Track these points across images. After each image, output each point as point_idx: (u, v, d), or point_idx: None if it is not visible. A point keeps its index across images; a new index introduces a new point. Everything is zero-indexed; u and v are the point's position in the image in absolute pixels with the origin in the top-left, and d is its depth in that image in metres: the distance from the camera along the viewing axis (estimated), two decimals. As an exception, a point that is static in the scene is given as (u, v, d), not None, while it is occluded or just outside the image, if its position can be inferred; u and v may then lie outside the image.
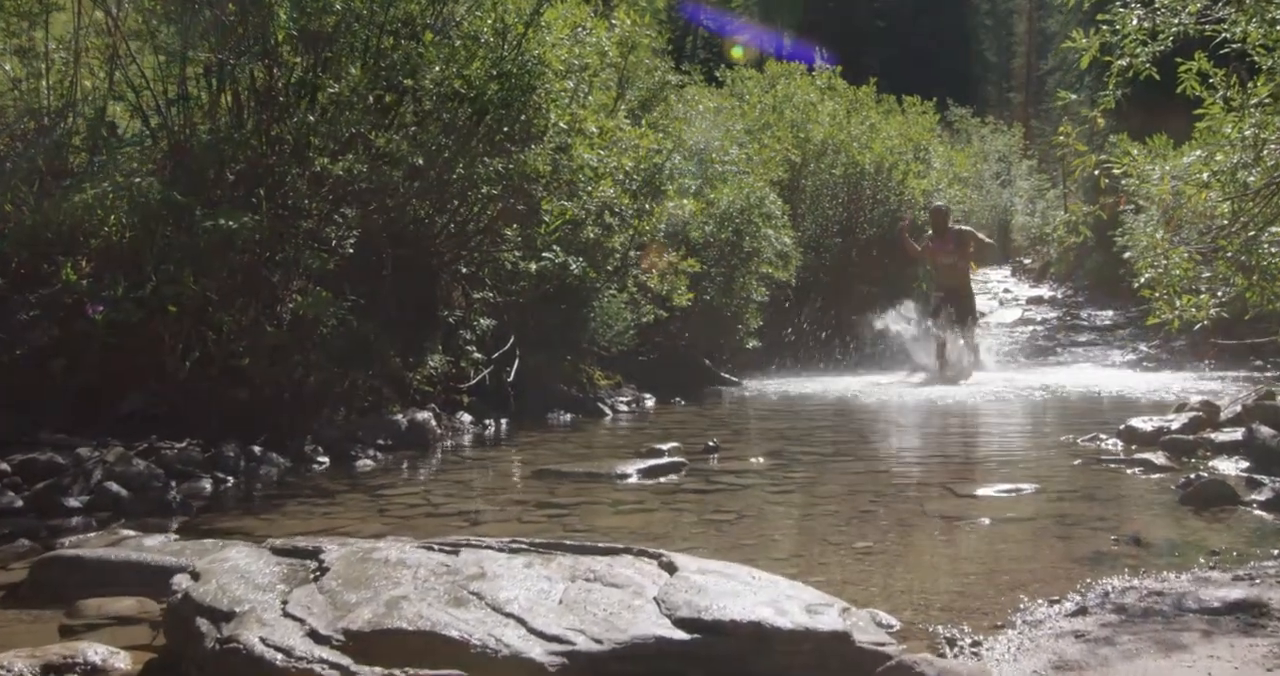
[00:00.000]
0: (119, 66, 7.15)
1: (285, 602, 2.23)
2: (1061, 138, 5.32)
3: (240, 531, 4.12)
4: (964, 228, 13.17)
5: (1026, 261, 35.55)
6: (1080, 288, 26.90)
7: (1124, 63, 5.19)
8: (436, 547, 2.72)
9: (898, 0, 51.53)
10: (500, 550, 2.72)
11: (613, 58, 8.89)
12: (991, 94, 56.88)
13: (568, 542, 2.83)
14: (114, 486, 4.76)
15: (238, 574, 2.42)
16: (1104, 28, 5.22)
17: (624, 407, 9.29)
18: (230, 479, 5.43)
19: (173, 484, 5.06)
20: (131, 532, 3.96)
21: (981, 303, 25.21)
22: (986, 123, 41.09)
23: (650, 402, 9.74)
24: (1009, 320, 21.51)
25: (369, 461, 6.10)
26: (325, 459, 6.12)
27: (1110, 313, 21.44)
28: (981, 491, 4.67)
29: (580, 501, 4.61)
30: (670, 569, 2.54)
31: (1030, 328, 20.12)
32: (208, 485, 5.27)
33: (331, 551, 2.60)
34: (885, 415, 7.96)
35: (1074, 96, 5.33)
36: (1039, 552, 3.48)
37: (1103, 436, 6.40)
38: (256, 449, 5.91)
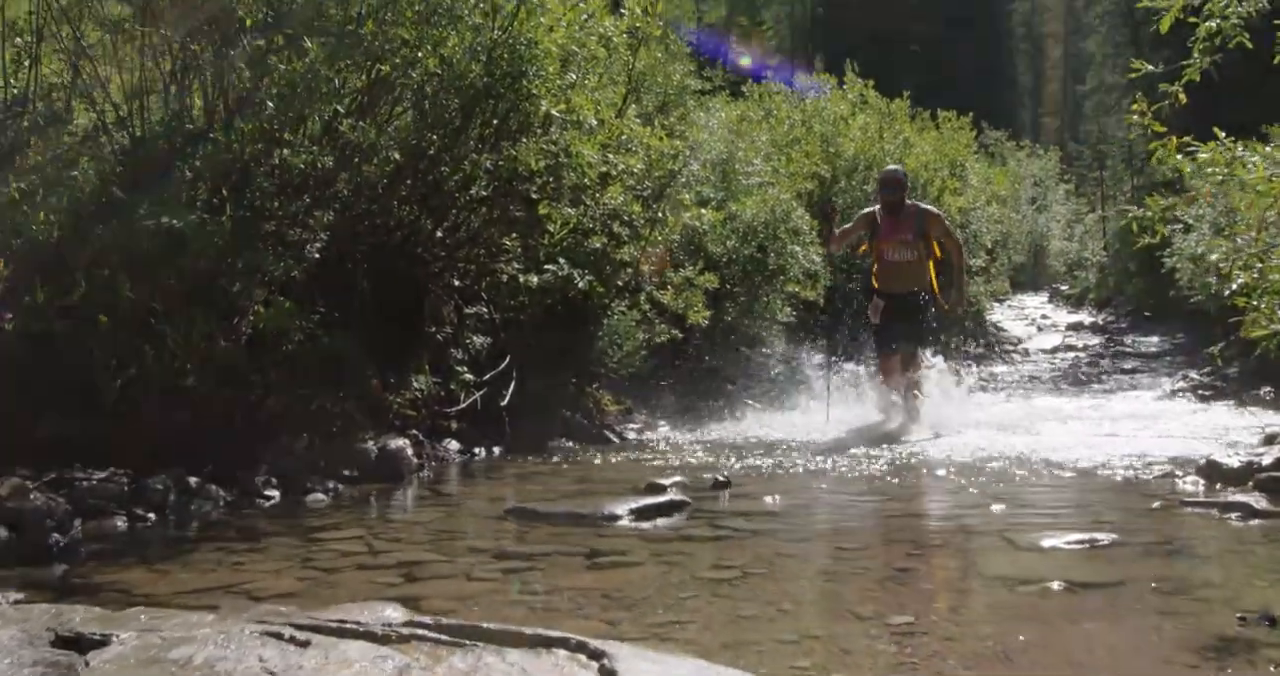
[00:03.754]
0: (81, 56, 6.44)
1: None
2: (1136, 117, 4.44)
3: (117, 587, 3.30)
4: (930, 207, 8.88)
5: (1064, 287, 34.64)
6: (1122, 313, 25.94)
7: (1212, 25, 4.33)
8: (287, 635, 1.88)
9: (931, 25, 51.00)
10: (377, 640, 1.88)
11: (621, 52, 8.08)
12: (1025, 118, 56.17)
13: (485, 626, 2.00)
14: (-8, 526, 3.95)
15: (-64, 690, 1.58)
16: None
17: (633, 435, 8.43)
18: (152, 516, 4.62)
19: (76, 523, 4.23)
20: (-22, 589, 3.15)
21: (1019, 329, 24.36)
22: (1022, 146, 40.29)
23: (664, 429, 8.87)
24: (1049, 346, 20.61)
25: (323, 496, 5.27)
26: (275, 493, 5.30)
27: (1155, 338, 20.49)
28: (1047, 542, 3.78)
29: (551, 551, 3.76)
30: (611, 681, 1.69)
31: (1072, 354, 19.19)
32: (121, 524, 4.48)
33: (115, 644, 1.78)
34: (924, 444, 7.06)
35: (1150, 67, 4.45)
36: (1142, 637, 2.59)
37: (1178, 473, 5.49)
38: (193, 481, 5.09)
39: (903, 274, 8.36)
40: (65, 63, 6.56)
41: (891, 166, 9.70)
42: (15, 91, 6.42)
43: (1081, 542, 3.76)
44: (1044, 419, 8.98)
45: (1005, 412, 9.69)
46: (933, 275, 8.47)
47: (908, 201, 8.50)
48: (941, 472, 5.87)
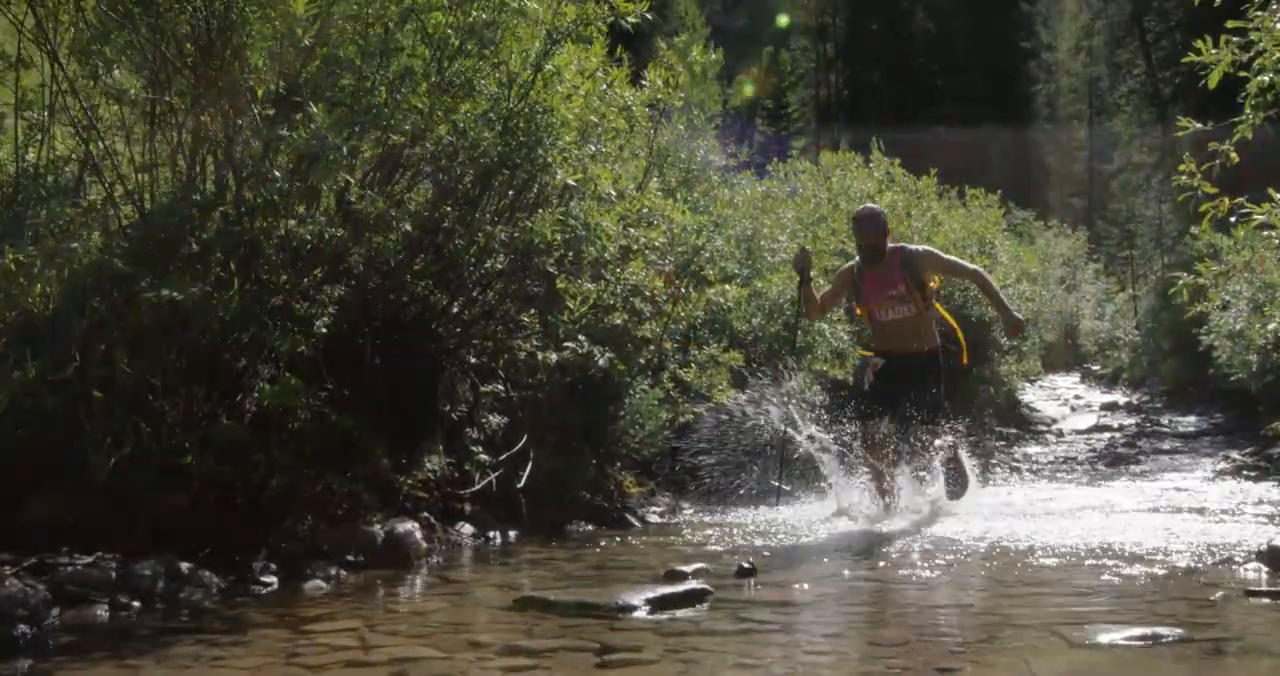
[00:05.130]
0: (91, 129, 6.32)
1: None
2: (1184, 177, 4.18)
3: (79, 687, 3.01)
4: (916, 247, 7.55)
5: (1096, 367, 34.25)
6: (1156, 393, 25.53)
7: (1264, 79, 4.09)
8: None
9: (958, 108, 51.51)
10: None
11: (642, 124, 7.92)
12: (1053, 198, 56.23)
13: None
14: (-41, 617, 3.68)
15: None
16: (1233, 40, 4.14)
17: (655, 518, 8.10)
18: (137, 605, 4.33)
19: (54, 612, 3.97)
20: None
21: (1052, 409, 23.90)
22: (1050, 226, 40.21)
23: (688, 512, 8.55)
24: (1084, 427, 20.23)
25: (323, 583, 4.97)
26: (274, 579, 5.00)
27: (1193, 418, 20.09)
28: (1104, 638, 3.43)
29: (560, 646, 3.45)
30: None
31: (1107, 435, 18.79)
32: (103, 613, 4.19)
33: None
34: (960, 529, 6.70)
35: (1200, 125, 4.20)
36: (1230, 755, 2.26)
37: (1238, 559, 5.12)
38: (184, 566, 4.80)
39: (901, 332, 7.29)
40: (77, 138, 6.46)
41: (868, 204, 8.83)
42: (26, 165, 6.32)
43: (1143, 638, 3.41)
44: (1085, 501, 8.60)
45: (1043, 496, 9.32)
46: (932, 328, 7.43)
47: (890, 244, 7.37)
48: (980, 559, 5.52)
